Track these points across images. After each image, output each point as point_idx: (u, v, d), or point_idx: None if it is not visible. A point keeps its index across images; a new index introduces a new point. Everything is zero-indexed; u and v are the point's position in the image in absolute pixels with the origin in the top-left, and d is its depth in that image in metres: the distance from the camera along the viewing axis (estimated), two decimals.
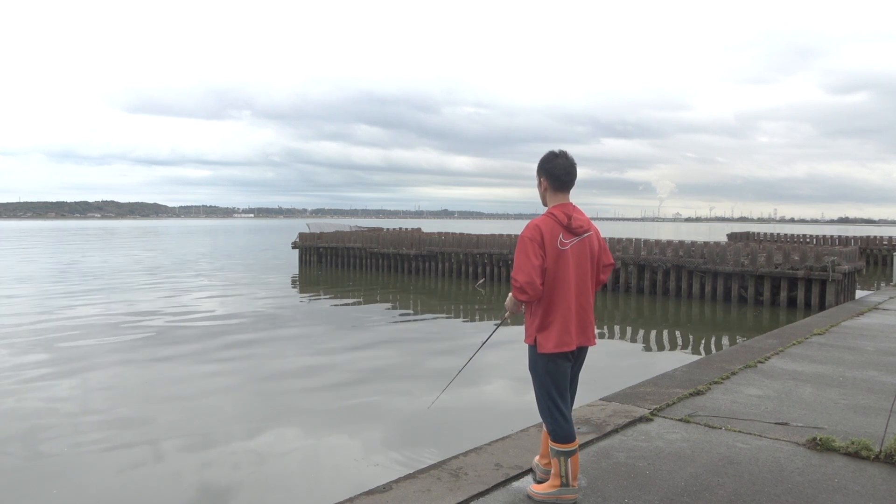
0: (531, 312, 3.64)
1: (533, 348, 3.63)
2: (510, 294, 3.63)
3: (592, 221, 3.77)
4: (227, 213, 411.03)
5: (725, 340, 13.68)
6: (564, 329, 3.56)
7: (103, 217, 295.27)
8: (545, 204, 3.76)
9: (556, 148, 3.80)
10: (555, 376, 3.60)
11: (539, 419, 3.86)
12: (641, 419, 5.27)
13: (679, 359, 10.97)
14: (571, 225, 3.59)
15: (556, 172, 3.67)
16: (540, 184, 3.76)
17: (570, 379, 3.71)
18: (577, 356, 3.72)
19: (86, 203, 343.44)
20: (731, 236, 52.92)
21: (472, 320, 16.65)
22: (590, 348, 3.79)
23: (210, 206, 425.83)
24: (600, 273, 3.81)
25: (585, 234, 3.66)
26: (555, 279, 3.54)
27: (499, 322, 4.40)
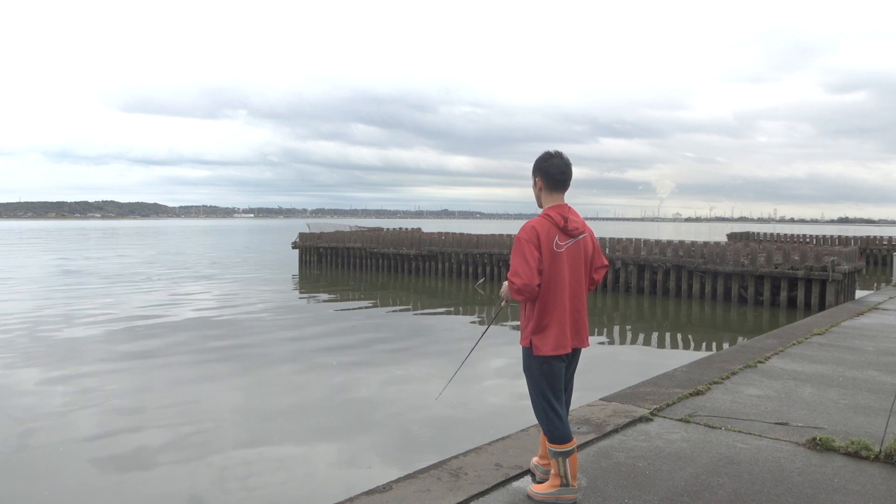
0: (526, 315, 3.63)
1: (528, 350, 3.63)
2: (505, 283, 3.62)
3: (592, 221, 3.77)
4: (228, 213, 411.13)
5: (725, 340, 13.68)
6: (561, 331, 3.55)
7: (104, 217, 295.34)
8: (540, 205, 3.75)
9: (552, 149, 3.80)
10: (549, 377, 3.60)
11: None
12: (641, 419, 5.27)
13: (679, 359, 10.96)
14: (567, 227, 3.59)
15: (552, 171, 3.67)
16: (535, 184, 3.75)
17: (564, 381, 3.71)
18: (572, 358, 3.72)
19: (86, 203, 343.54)
20: (731, 236, 52.92)
21: (473, 320, 16.64)
22: (587, 349, 3.79)
23: (210, 206, 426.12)
24: (594, 273, 3.81)
25: (580, 236, 3.66)
26: (550, 281, 3.54)
27: (496, 312, 4.40)
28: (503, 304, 3.82)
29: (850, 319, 11.09)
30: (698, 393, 6.07)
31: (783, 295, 18.00)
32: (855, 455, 4.48)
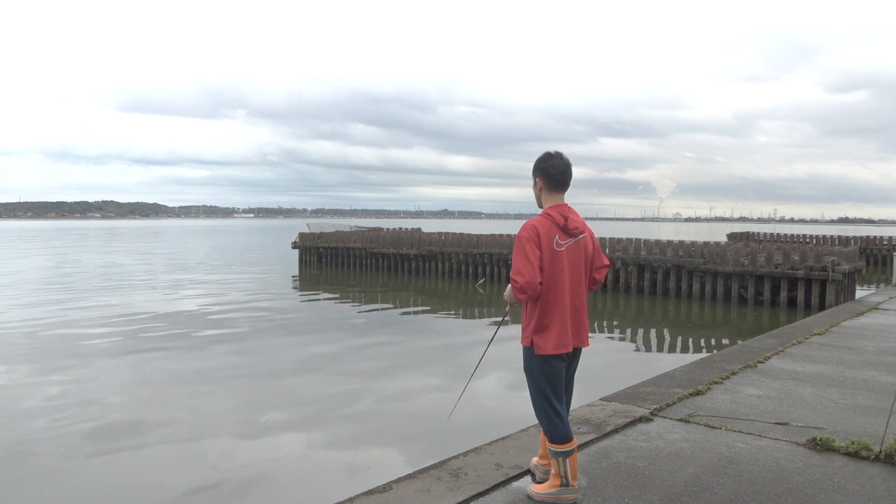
0: (527, 314, 3.64)
1: (529, 350, 3.63)
2: (509, 286, 3.62)
3: (592, 221, 3.77)
4: (228, 213, 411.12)
5: (725, 340, 13.68)
6: (562, 331, 3.56)
7: (103, 217, 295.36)
8: (540, 205, 3.76)
9: (553, 149, 3.80)
10: (550, 377, 3.60)
11: None
12: (641, 419, 5.27)
13: (679, 359, 10.97)
14: (568, 226, 3.59)
15: (552, 172, 3.67)
16: (535, 184, 3.76)
17: (565, 381, 3.71)
18: (572, 357, 3.72)
19: (86, 203, 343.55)
20: (731, 236, 52.92)
21: (473, 320, 16.65)
22: (587, 349, 3.79)
23: (210, 206, 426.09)
24: (594, 273, 3.81)
25: (581, 236, 3.66)
26: (550, 280, 3.54)
27: (500, 319, 4.40)
28: (507, 307, 3.83)
29: (850, 319, 11.09)
30: (698, 393, 6.08)
31: (783, 295, 18.00)
32: (855, 455, 4.48)
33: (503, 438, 4.81)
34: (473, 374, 5.16)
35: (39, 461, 6.57)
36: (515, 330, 3.89)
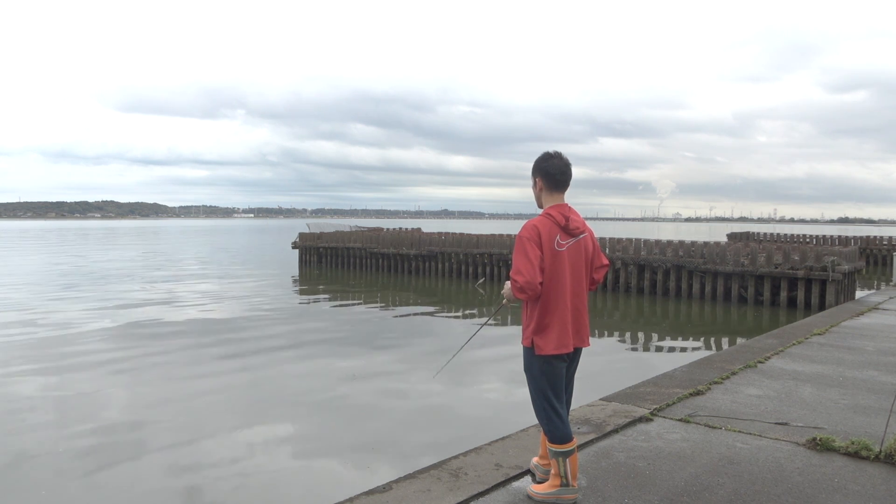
0: (528, 314, 3.64)
1: (529, 350, 3.63)
2: (507, 283, 3.63)
3: (592, 221, 3.77)
4: (228, 213, 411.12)
5: (725, 340, 13.68)
6: (563, 331, 3.56)
7: (103, 217, 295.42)
8: (540, 205, 3.76)
9: (552, 149, 3.80)
10: (550, 377, 3.60)
11: None
12: (641, 419, 5.27)
13: (679, 359, 10.96)
14: (569, 226, 3.59)
15: (552, 172, 3.68)
16: (535, 184, 3.76)
17: (565, 381, 3.71)
18: (573, 357, 3.73)
19: (86, 203, 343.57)
20: (731, 236, 52.92)
21: (473, 320, 16.63)
22: (587, 349, 3.79)
23: (210, 206, 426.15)
24: (594, 273, 3.81)
25: (581, 236, 3.66)
26: (551, 280, 3.54)
27: (497, 308, 4.40)
28: (504, 301, 3.82)
29: (850, 319, 11.09)
30: (698, 393, 6.08)
31: (783, 295, 18.00)
32: (855, 455, 4.48)
33: (503, 438, 4.81)
34: (466, 344, 5.20)
35: (37, 463, 6.57)
36: (514, 330, 3.90)
